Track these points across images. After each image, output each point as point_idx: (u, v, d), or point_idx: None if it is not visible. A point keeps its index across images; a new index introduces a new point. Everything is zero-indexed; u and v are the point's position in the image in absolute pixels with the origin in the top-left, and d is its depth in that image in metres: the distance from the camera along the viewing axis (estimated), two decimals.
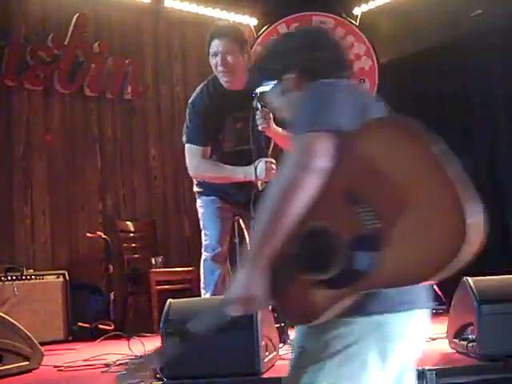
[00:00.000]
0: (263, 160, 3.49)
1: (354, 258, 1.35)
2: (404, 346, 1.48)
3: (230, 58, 3.54)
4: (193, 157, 3.64)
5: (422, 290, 1.50)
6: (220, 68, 3.57)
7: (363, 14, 6.50)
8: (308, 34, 1.81)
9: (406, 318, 1.47)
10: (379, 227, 1.32)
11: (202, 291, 3.86)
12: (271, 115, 3.50)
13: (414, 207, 1.27)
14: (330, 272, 1.37)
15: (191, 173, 3.72)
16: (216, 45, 3.55)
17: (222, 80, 3.61)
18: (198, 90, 3.75)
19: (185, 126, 3.75)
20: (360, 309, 1.41)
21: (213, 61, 3.59)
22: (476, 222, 1.23)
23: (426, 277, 1.29)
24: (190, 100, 3.75)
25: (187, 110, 3.74)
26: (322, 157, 1.39)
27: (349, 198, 1.37)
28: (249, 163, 3.51)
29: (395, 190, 1.30)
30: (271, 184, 1.45)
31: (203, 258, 3.78)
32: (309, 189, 1.38)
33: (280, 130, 3.67)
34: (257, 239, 1.44)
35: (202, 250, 3.78)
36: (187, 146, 3.66)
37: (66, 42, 5.58)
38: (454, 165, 1.28)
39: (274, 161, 3.58)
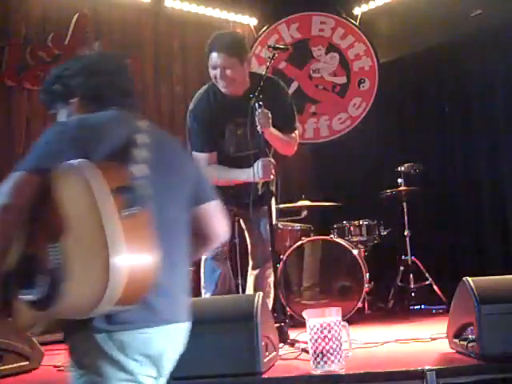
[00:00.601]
0: (261, 159, 3.50)
1: (48, 286, 1.54)
2: (144, 358, 1.65)
3: (228, 72, 3.54)
4: (200, 164, 3.64)
5: (171, 309, 1.66)
6: (219, 81, 3.58)
7: (363, 13, 6.50)
8: (91, 59, 1.92)
9: (144, 336, 1.63)
10: (60, 263, 1.52)
11: (203, 291, 3.86)
12: (270, 115, 3.50)
13: (81, 250, 1.51)
14: (33, 294, 1.58)
15: None
16: (215, 58, 3.54)
17: (222, 89, 3.62)
18: (197, 96, 3.73)
19: (187, 135, 3.74)
20: (94, 326, 1.60)
21: (212, 72, 3.59)
22: (122, 271, 1.48)
23: (88, 311, 1.52)
24: (190, 108, 3.73)
25: (187, 119, 3.74)
26: (15, 195, 1.58)
27: (47, 234, 1.57)
28: (249, 168, 3.52)
29: (67, 234, 1.52)
30: None
31: (204, 257, 3.77)
32: (4, 224, 1.58)
33: (278, 132, 3.66)
34: None
35: None
36: (193, 154, 3.64)
37: (66, 42, 5.58)
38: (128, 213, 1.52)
39: (272, 159, 3.59)
